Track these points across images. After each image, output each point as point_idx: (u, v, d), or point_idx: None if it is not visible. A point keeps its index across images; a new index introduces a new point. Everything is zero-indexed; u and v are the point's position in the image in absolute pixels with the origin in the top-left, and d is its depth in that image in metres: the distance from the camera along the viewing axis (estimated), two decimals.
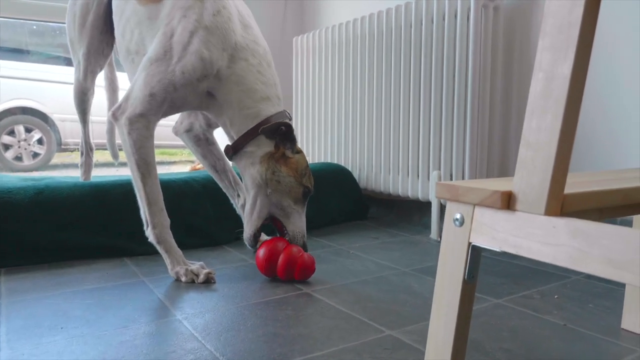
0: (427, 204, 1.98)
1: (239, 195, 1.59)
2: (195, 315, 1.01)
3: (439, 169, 1.73)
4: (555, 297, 1.11)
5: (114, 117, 1.24)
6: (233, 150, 1.29)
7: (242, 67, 1.24)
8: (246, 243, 1.30)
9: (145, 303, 1.09)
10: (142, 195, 1.24)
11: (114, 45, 1.81)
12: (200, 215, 1.67)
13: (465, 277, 0.62)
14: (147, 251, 1.51)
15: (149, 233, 1.25)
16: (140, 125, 1.20)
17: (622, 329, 0.91)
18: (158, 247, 1.26)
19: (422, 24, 1.76)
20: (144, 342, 0.88)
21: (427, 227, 1.93)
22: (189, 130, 1.56)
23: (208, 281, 1.23)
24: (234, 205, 1.62)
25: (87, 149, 1.91)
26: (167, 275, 1.29)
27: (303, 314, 1.02)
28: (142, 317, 1.00)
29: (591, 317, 0.98)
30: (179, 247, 1.29)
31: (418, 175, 1.84)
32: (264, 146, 1.26)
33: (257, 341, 0.88)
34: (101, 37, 1.70)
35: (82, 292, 1.16)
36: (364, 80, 2.06)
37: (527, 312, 1.01)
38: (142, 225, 1.52)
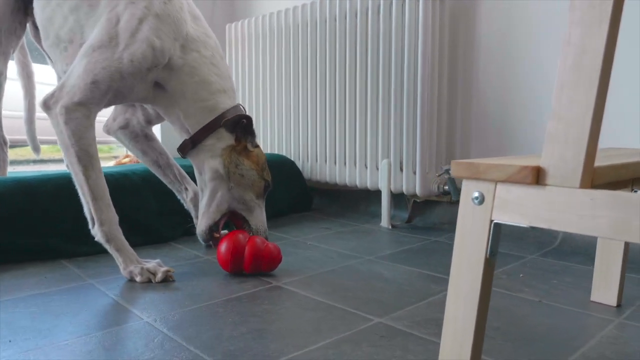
0: (372, 193, 2.00)
1: (186, 189, 1.49)
2: (165, 316, 0.92)
3: (388, 158, 1.75)
4: (521, 275, 1.16)
5: (46, 106, 1.11)
6: (192, 144, 1.22)
7: (194, 58, 1.18)
8: (199, 238, 1.22)
9: (101, 307, 0.98)
10: (86, 190, 1.12)
11: (27, 26, 1.63)
12: (142, 210, 1.54)
13: (488, 254, 0.61)
14: (86, 252, 1.38)
15: (96, 231, 1.13)
16: (79, 115, 1.08)
17: (592, 301, 0.97)
18: (107, 246, 1.14)
19: (368, 11, 1.76)
20: (117, 349, 0.78)
21: (375, 215, 1.95)
22: (124, 127, 1.44)
23: (166, 280, 1.13)
24: (182, 201, 1.51)
25: (1, 142, 1.69)
26: (116, 276, 1.17)
27: (282, 307, 0.97)
28: (104, 323, 0.90)
29: (560, 292, 1.04)
30: None
31: (366, 165, 1.85)
32: (225, 139, 1.22)
33: (244, 339, 0.82)
34: (13, 16, 1.52)
35: (22, 299, 1.02)
36: (305, 69, 2.03)
37: (502, 292, 1.05)
38: (78, 224, 1.38)
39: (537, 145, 1.57)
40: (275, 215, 1.91)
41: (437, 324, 0.87)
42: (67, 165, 1.21)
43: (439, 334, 0.82)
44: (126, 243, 1.15)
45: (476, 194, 0.62)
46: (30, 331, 0.86)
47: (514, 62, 1.60)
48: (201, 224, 1.22)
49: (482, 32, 1.67)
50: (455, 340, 0.64)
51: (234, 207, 1.23)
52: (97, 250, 1.38)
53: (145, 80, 1.15)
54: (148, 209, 1.55)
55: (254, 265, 1.15)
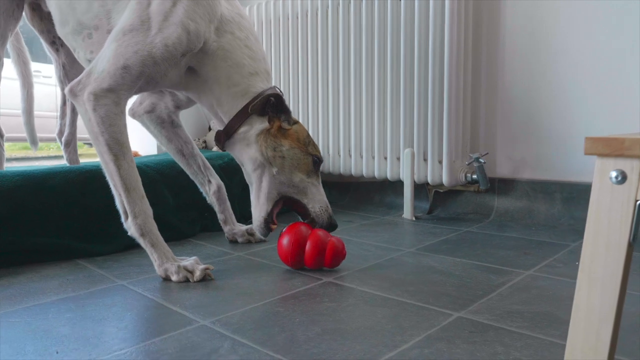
0: (386, 184, 1.95)
1: (210, 182, 1.39)
2: (221, 318, 0.84)
3: (411, 147, 1.69)
4: (577, 263, 1.12)
5: (72, 93, 1.02)
6: (225, 135, 1.13)
7: (228, 40, 1.10)
8: (257, 232, 1.13)
9: (145, 310, 0.88)
10: (117, 181, 1.02)
11: (25, 8, 1.50)
12: (159, 205, 1.42)
13: (631, 239, 0.56)
14: (101, 251, 1.28)
15: (130, 224, 1.03)
16: (109, 101, 0.99)
17: None
18: (141, 241, 1.04)
19: None
20: (188, 356, 0.69)
21: (392, 207, 1.90)
22: (150, 112, 1.35)
23: (204, 279, 1.04)
24: (204, 194, 1.42)
25: None
26: (147, 276, 1.08)
27: (346, 304, 0.89)
28: (157, 327, 0.80)
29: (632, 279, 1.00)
30: (135, 243, 1.08)
31: (385, 156, 1.79)
32: (257, 124, 1.13)
33: (323, 340, 0.74)
34: None
35: (52, 305, 0.91)
36: (320, 56, 1.95)
37: (562, 280, 1.00)
38: (92, 220, 1.29)
39: (565, 132, 1.54)
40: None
41: (522, 317, 0.81)
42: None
43: (532, 328, 0.77)
44: (161, 238, 1.06)
45: (615, 173, 0.56)
46: (75, 340, 0.75)
47: (540, 48, 1.57)
48: (255, 218, 1.13)
49: (507, 17, 1.63)
50: (590, 333, 0.58)
51: (285, 192, 1.13)
52: (114, 249, 1.29)
53: (179, 65, 1.07)
54: (165, 204, 1.44)
55: (316, 261, 1.07)
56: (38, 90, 1.78)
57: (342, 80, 1.87)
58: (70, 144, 1.70)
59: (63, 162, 1.75)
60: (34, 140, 1.69)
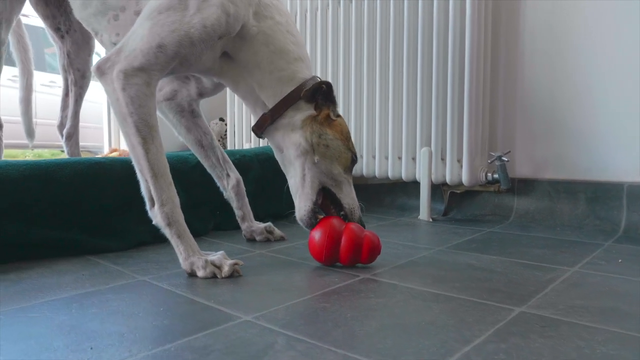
0: (397, 186, 1.90)
1: (228, 175, 1.32)
2: (267, 313, 0.77)
3: (428, 147, 1.65)
4: (619, 260, 1.08)
5: (100, 71, 0.95)
6: (271, 119, 1.08)
7: (269, 25, 1.05)
8: (302, 224, 1.07)
9: (178, 305, 0.81)
10: (144, 166, 0.94)
11: None
12: None
13: None
14: (112, 247, 1.20)
15: (156, 213, 0.96)
16: (140, 80, 0.92)
17: None
18: (167, 231, 0.96)
19: None
20: (241, 353, 0.62)
21: (405, 209, 1.85)
22: (170, 99, 1.28)
23: (232, 275, 0.96)
24: (222, 189, 1.34)
25: None
26: (170, 272, 1.00)
27: (395, 300, 0.83)
28: (197, 323, 0.73)
29: None
30: (147, 240, 1.07)
31: (400, 157, 1.74)
32: (304, 110, 1.08)
33: (386, 335, 0.68)
34: None
35: (72, 299, 0.83)
36: (331, 51, 1.90)
37: (611, 276, 0.96)
38: (102, 215, 1.21)
39: (588, 130, 1.52)
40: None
41: (589, 312, 0.76)
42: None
43: (605, 322, 0.72)
44: (188, 230, 0.98)
45: None
46: (108, 336, 0.68)
47: (561, 45, 1.55)
48: (301, 208, 1.06)
49: (527, 12, 1.61)
50: None
51: (325, 183, 1.07)
52: (125, 246, 1.22)
53: (215, 48, 1.02)
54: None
55: (352, 257, 1.01)
56: (52, 100, 1.69)
57: (355, 77, 1.83)
58: (72, 137, 1.62)
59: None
60: (30, 132, 1.60)
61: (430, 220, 1.65)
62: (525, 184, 1.62)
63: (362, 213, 1.12)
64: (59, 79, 1.67)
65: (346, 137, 1.11)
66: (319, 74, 1.92)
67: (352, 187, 1.13)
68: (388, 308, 0.79)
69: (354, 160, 1.11)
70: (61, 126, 1.63)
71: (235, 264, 0.98)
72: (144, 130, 0.93)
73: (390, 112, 1.74)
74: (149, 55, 0.92)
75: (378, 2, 1.74)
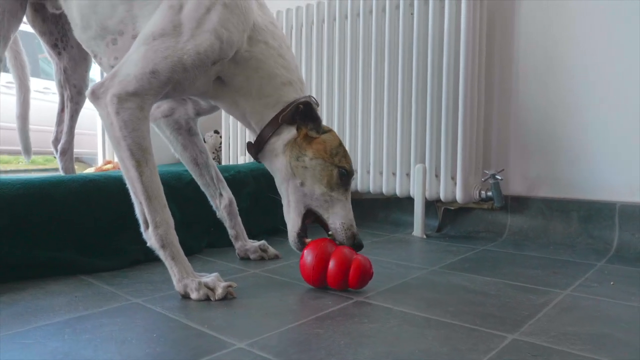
0: (392, 201, 1.91)
1: (221, 195, 1.33)
2: (260, 340, 0.77)
3: (422, 163, 1.66)
4: (612, 283, 1.09)
5: (94, 95, 0.96)
6: (257, 146, 1.09)
7: (261, 50, 1.05)
8: (293, 247, 1.07)
9: (171, 331, 0.81)
10: (139, 189, 0.95)
11: (27, 8, 1.43)
12: None
13: None
14: (107, 266, 1.19)
15: (150, 235, 0.96)
16: (133, 105, 0.93)
17: None
18: (161, 253, 0.97)
19: (399, 7, 1.68)
20: None
21: (398, 224, 1.86)
22: (168, 116, 1.28)
23: (226, 297, 0.96)
24: (214, 208, 1.34)
25: None
26: (163, 293, 1.00)
27: (389, 326, 0.83)
28: (190, 350, 0.73)
29: None
30: (140, 258, 1.08)
31: (394, 172, 1.75)
32: (285, 134, 1.08)
33: None
34: None
35: (64, 324, 0.82)
36: (325, 67, 1.91)
37: (603, 300, 0.97)
38: (97, 233, 1.21)
39: (582, 149, 1.53)
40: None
41: (581, 339, 0.77)
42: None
43: (595, 350, 0.73)
44: (182, 251, 0.99)
45: None
46: None
47: (555, 63, 1.57)
48: (289, 233, 1.08)
49: (521, 31, 1.63)
50: None
51: (309, 205, 1.06)
52: (119, 265, 1.21)
53: (208, 74, 1.02)
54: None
55: (340, 281, 1.00)
56: (45, 107, 1.69)
57: (350, 92, 1.84)
58: (67, 153, 1.61)
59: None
60: (27, 149, 1.59)
61: (424, 236, 1.66)
62: (518, 202, 1.63)
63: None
64: (53, 85, 1.67)
65: (330, 153, 1.07)
66: (313, 89, 1.94)
67: (347, 202, 1.08)
68: (382, 334, 0.79)
69: (343, 174, 1.06)
70: (56, 141, 1.62)
71: (229, 286, 0.98)
72: (138, 154, 0.94)
73: (384, 127, 1.75)
74: (143, 81, 0.93)
75: (373, 18, 1.75)
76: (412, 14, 1.66)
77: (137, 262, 1.24)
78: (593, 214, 1.48)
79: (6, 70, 1.62)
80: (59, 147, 1.61)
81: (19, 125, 1.55)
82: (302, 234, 1.06)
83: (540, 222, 1.58)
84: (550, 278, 1.14)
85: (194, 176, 1.34)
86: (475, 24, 1.57)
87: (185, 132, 1.30)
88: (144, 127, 0.95)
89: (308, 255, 1.01)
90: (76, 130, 1.69)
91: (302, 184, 1.06)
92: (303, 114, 1.07)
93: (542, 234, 1.56)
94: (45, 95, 4.91)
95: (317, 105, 1.12)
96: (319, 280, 1.01)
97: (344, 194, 1.08)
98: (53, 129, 1.63)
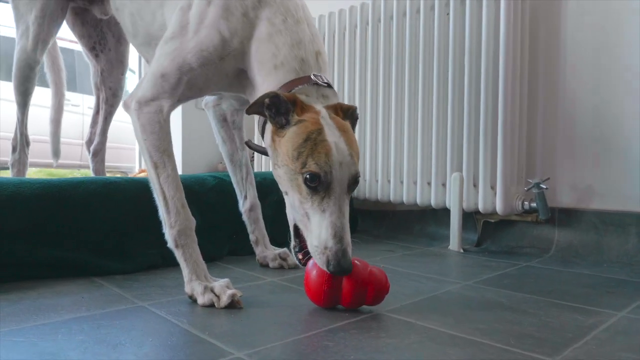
0: (428, 213, 1.80)
1: (246, 198, 1.29)
2: (262, 350, 0.69)
3: (459, 172, 1.55)
4: None
5: (125, 105, 1.01)
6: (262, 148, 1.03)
7: (261, 32, 0.94)
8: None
9: (168, 336, 0.75)
10: (158, 190, 0.96)
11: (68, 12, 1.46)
12: None
13: None
14: (122, 269, 1.16)
15: (167, 236, 0.95)
16: (151, 109, 0.96)
17: None
18: (176, 253, 0.95)
19: (434, 9, 1.60)
20: None
21: (435, 238, 1.74)
22: (216, 105, 1.28)
23: (232, 306, 0.89)
24: (240, 209, 1.30)
25: (23, 143, 1.48)
26: (173, 298, 0.95)
27: (409, 342, 0.74)
28: (186, 358, 0.66)
29: None
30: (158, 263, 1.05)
31: (429, 182, 1.65)
32: (267, 133, 0.93)
33: None
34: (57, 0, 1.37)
35: (62, 324, 0.78)
36: (353, 72, 1.85)
37: None
38: (114, 236, 1.20)
39: (639, 156, 1.38)
40: None
41: None
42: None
43: None
44: (197, 253, 0.95)
45: None
46: None
47: (608, 61, 1.43)
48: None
49: (568, 29, 1.50)
50: None
51: (294, 218, 0.90)
52: (135, 268, 1.18)
53: (222, 70, 0.97)
54: None
55: (354, 299, 0.87)
56: (65, 118, 1.73)
57: (382, 97, 1.77)
58: (99, 154, 1.63)
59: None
60: (56, 152, 1.62)
61: (461, 250, 1.54)
62: (567, 215, 1.49)
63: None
64: (73, 97, 1.71)
65: (292, 157, 0.85)
66: (345, 96, 1.87)
67: (325, 213, 0.82)
68: (398, 351, 0.70)
69: (312, 178, 0.82)
70: (89, 142, 1.64)
71: (235, 294, 0.90)
72: (156, 155, 0.95)
73: (419, 133, 1.66)
74: (156, 86, 0.95)
75: (407, 20, 1.68)
76: (447, 14, 1.57)
77: (154, 267, 1.20)
78: None
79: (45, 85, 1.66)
80: (92, 148, 1.63)
81: (52, 129, 1.59)
82: (296, 249, 0.92)
83: (593, 237, 1.43)
84: (603, 298, 1.01)
85: (229, 172, 1.32)
86: (516, 22, 1.46)
87: (227, 125, 1.29)
88: (161, 130, 0.96)
89: (314, 272, 0.88)
90: (117, 144, 1.71)
91: (286, 193, 0.92)
92: (269, 108, 0.87)
93: (594, 250, 1.41)
94: (65, 107, 5.08)
95: (328, 84, 0.92)
96: (330, 301, 0.88)
97: (320, 205, 0.83)
98: (87, 130, 1.66)
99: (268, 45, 0.93)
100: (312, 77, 0.90)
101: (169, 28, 1.00)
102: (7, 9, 1.45)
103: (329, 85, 0.92)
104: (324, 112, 0.87)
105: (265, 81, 0.94)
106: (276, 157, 0.90)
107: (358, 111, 0.98)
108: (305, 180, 0.82)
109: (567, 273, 1.24)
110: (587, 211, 1.45)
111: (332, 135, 0.84)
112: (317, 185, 0.82)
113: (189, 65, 0.94)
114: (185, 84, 0.96)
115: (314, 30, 0.98)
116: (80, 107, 4.92)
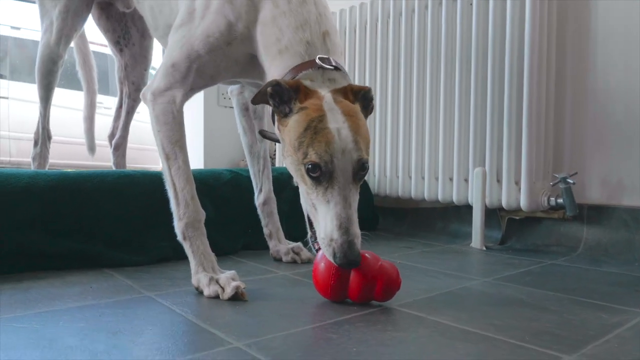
0: (450, 211, 1.75)
1: (261, 191, 1.28)
2: (262, 340, 0.67)
3: (482, 167, 1.49)
4: None
5: (143, 97, 1.01)
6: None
7: (265, 15, 0.91)
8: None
9: (170, 325, 0.74)
10: (169, 181, 0.96)
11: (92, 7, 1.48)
12: None
13: None
14: (135, 261, 1.16)
15: (176, 228, 0.95)
16: (164, 100, 0.96)
17: None
18: (184, 245, 0.95)
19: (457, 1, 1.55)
20: None
21: (457, 236, 1.68)
22: (240, 93, 1.27)
23: (236, 297, 0.87)
24: (255, 201, 1.29)
25: (45, 137, 1.51)
26: (180, 289, 0.94)
27: (416, 335, 0.70)
28: (180, 346, 0.65)
29: None
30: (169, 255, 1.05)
31: (451, 177, 1.60)
32: (276, 122, 0.91)
33: None
34: None
35: (65, 312, 0.78)
36: (374, 65, 1.81)
37: None
38: (126, 228, 1.20)
39: None
40: None
41: None
42: None
43: None
44: (206, 245, 0.94)
45: None
46: (82, 352, 0.61)
47: None
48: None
49: (599, 16, 1.43)
50: None
51: (306, 208, 0.88)
52: (146, 260, 1.17)
53: (232, 56, 0.95)
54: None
55: (363, 293, 0.84)
56: (97, 121, 1.76)
57: (404, 91, 1.72)
58: (120, 148, 1.65)
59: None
60: (92, 147, 1.66)
61: (484, 248, 1.48)
62: (597, 211, 1.41)
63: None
64: (106, 100, 1.74)
65: (294, 147, 0.82)
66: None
67: (330, 204, 0.79)
68: (404, 344, 0.67)
69: (313, 168, 0.78)
70: (111, 136, 1.66)
71: (239, 287, 0.88)
72: (168, 147, 0.95)
73: (440, 127, 1.61)
74: (168, 75, 0.95)
75: (429, 11, 1.63)
76: (471, 4, 1.52)
77: (166, 259, 1.19)
78: None
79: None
80: (114, 141, 1.65)
81: (86, 126, 1.63)
82: (312, 239, 0.88)
83: (624, 235, 1.35)
84: (631, 296, 0.94)
85: (248, 163, 1.31)
86: (542, 7, 1.40)
87: (248, 114, 1.27)
88: (174, 121, 0.95)
89: (322, 264, 0.85)
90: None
91: (296, 184, 0.89)
92: (272, 97, 0.84)
93: (625, 249, 1.33)
94: (97, 109, 5.16)
95: (337, 68, 0.87)
96: (338, 294, 0.85)
97: (325, 196, 0.79)
98: (110, 125, 1.68)
99: (272, 28, 0.90)
100: (317, 60, 0.86)
101: (178, 16, 0.99)
102: (16, 12, 1.48)
103: (337, 68, 0.87)
104: (328, 97, 0.83)
105: (272, 67, 0.91)
106: (284, 147, 0.88)
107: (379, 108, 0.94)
108: (308, 171, 0.80)
109: (594, 271, 1.18)
110: (617, 208, 1.38)
111: (334, 121, 0.80)
112: (319, 175, 0.79)
113: (196, 53, 0.93)
114: (195, 72, 0.95)
115: (321, 10, 0.92)
116: (112, 109, 5.04)
